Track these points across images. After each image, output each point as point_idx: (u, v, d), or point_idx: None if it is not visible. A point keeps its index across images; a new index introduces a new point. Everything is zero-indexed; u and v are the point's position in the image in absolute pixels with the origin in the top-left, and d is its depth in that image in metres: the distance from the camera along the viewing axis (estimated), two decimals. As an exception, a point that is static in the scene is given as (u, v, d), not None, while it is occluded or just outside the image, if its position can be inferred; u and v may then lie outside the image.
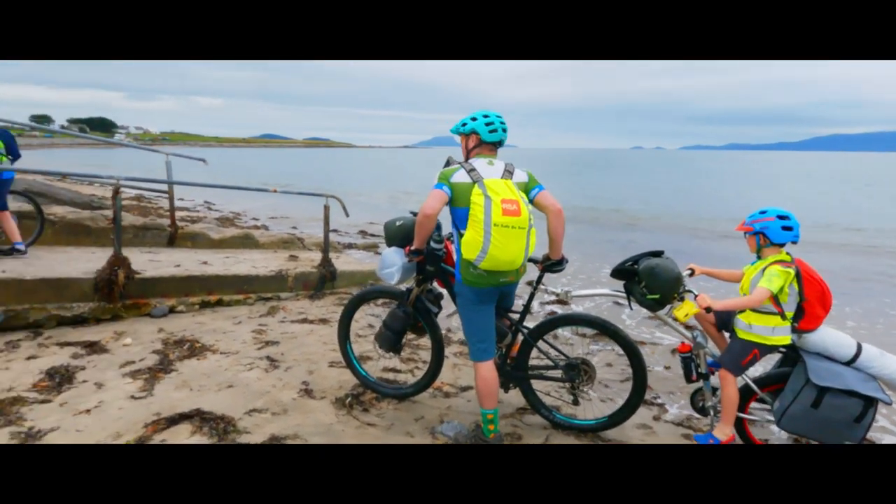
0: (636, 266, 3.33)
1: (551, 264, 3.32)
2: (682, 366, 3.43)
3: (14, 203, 6.61)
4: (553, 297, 7.13)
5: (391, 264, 3.49)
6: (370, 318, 5.94)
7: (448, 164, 3.29)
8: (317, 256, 7.97)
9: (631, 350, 3.36)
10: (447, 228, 3.66)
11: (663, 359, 5.41)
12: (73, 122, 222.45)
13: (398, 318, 3.62)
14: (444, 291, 3.73)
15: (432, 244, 3.36)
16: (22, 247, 5.95)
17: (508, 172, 3.08)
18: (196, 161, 8.65)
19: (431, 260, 3.42)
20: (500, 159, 3.15)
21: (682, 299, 3.21)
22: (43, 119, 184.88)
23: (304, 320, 5.78)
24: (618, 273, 3.43)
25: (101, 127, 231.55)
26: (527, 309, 3.56)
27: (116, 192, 5.59)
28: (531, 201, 3.10)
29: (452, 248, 3.59)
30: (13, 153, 5.95)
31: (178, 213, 11.97)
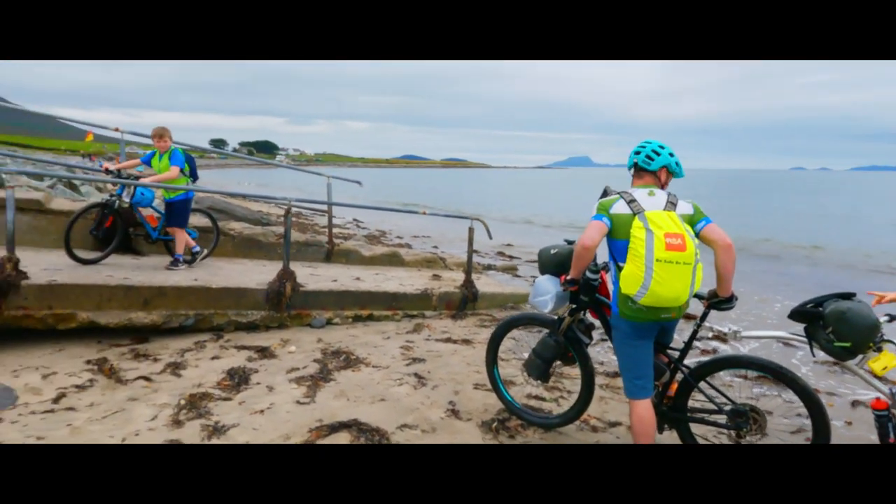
0: (821, 309, 2.99)
1: (719, 301, 3.10)
2: (876, 425, 3.00)
3: (195, 218, 7.47)
4: (711, 335, 6.64)
5: (545, 292, 3.47)
6: (510, 341, 5.95)
7: (605, 193, 3.22)
8: (459, 277, 8.16)
9: (811, 401, 3.02)
10: (601, 257, 3.58)
11: (842, 412, 4.79)
12: (242, 144, 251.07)
13: (549, 346, 3.58)
14: (597, 322, 3.63)
15: (588, 274, 3.30)
16: (181, 259, 6.53)
17: (671, 204, 2.94)
18: (352, 182, 9.30)
19: (586, 290, 3.36)
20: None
21: (879, 349, 2.83)
22: (219, 143, 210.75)
23: (449, 339, 5.93)
24: (798, 315, 3.11)
25: (265, 149, 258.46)
26: (688, 346, 3.35)
27: (288, 212, 6.18)
28: (697, 235, 2.93)
29: (608, 278, 3.49)
30: (194, 175, 6.74)
31: (332, 230, 12.95)
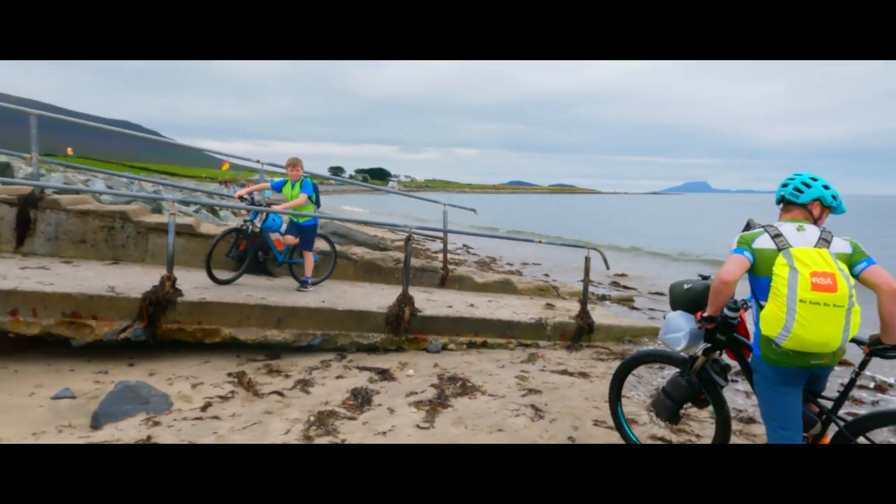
0: None
1: (883, 349, 2.79)
2: None
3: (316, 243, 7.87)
4: (873, 385, 5.96)
5: (678, 329, 3.31)
6: (631, 377, 5.71)
7: (749, 226, 3.03)
8: (573, 306, 8.00)
9: None
10: (739, 293, 3.35)
11: None
12: (358, 171, 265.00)
13: (681, 387, 3.40)
14: (734, 363, 3.40)
15: (726, 312, 3.10)
16: (309, 281, 6.95)
17: (824, 241, 2.70)
18: (467, 210, 9.48)
19: (723, 329, 3.16)
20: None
21: None
22: (337, 170, 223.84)
23: (564, 371, 5.80)
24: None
25: (378, 175, 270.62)
26: (844, 396, 3.03)
27: (409, 239, 6.41)
28: (857, 277, 2.67)
29: (748, 317, 3.27)
30: (317, 202, 7.09)
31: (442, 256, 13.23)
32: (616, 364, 6.17)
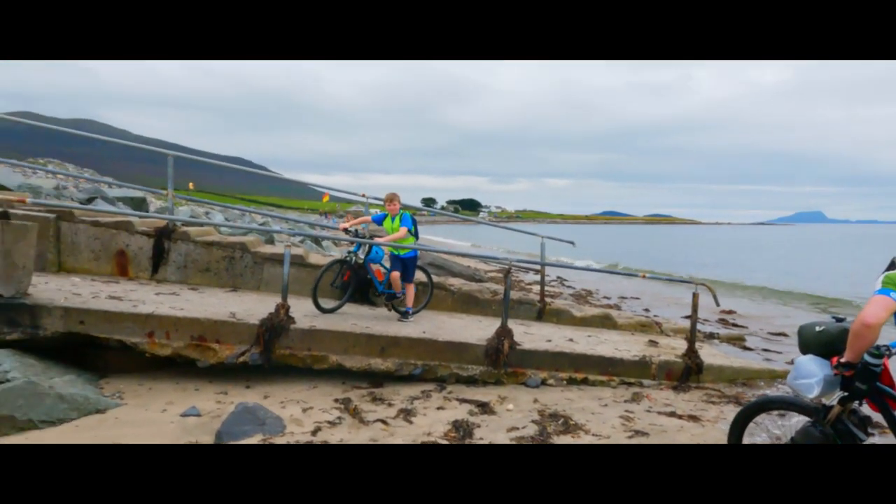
0: None
1: None
2: None
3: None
4: None
5: (810, 375, 3.06)
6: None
7: (893, 265, 2.78)
8: (678, 344, 7.62)
9: None
10: (882, 338, 3.06)
11: None
12: (449, 203, 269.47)
13: (813, 438, 3.12)
14: (876, 414, 3.09)
15: (867, 358, 2.84)
16: (410, 311, 7.08)
17: None
18: (565, 242, 9.37)
19: (864, 377, 2.88)
20: None
21: None
22: (430, 202, 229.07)
23: (673, 414, 5.51)
24: None
25: (469, 206, 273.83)
26: None
27: (508, 272, 6.43)
28: None
29: (892, 364, 2.97)
30: (416, 235, 7.25)
31: (536, 288, 13.10)
32: (729, 408, 5.79)
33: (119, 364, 5.85)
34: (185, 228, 7.91)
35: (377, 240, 7.01)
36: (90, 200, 10.64)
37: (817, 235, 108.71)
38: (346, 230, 7.00)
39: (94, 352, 5.76)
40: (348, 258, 6.95)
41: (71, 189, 13.78)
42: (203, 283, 7.75)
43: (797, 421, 3.46)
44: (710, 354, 7.50)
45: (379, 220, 7.12)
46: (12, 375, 4.67)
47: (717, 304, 7.01)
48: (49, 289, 6.02)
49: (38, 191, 10.64)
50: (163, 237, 7.60)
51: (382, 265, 7.34)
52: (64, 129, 9.39)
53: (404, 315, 7.02)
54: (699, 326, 10.92)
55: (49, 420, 4.51)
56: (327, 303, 6.85)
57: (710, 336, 9.96)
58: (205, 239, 7.86)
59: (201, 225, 9.11)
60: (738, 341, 9.76)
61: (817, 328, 3.19)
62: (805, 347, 3.23)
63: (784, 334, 10.62)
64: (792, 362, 3.24)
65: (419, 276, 7.73)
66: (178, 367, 5.95)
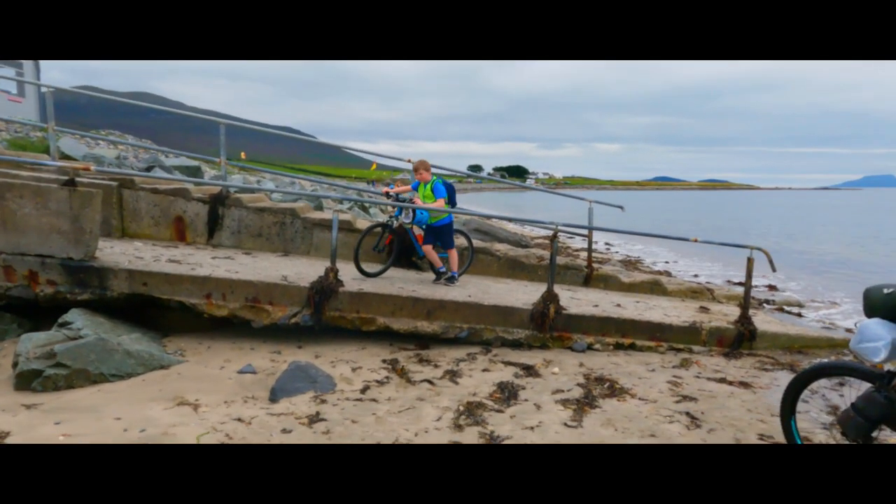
0: None
1: None
2: None
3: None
4: None
5: (877, 338, 2.95)
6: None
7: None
8: (730, 311, 7.43)
9: None
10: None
11: None
12: (496, 169, 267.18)
13: (877, 404, 3.02)
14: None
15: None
16: (456, 276, 7.11)
17: None
18: (614, 207, 9.18)
19: (933, 342, 2.76)
20: None
21: None
22: (476, 168, 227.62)
23: (723, 380, 5.41)
24: None
25: (516, 173, 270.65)
26: None
27: (555, 236, 6.36)
28: None
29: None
30: (452, 201, 7.18)
31: (583, 254, 12.93)
32: (783, 375, 5.64)
33: (179, 324, 6.16)
34: (238, 195, 8.15)
35: (417, 202, 6.98)
36: (149, 169, 11.07)
37: (886, 201, 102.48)
38: (387, 194, 7.04)
39: (156, 312, 6.07)
40: (389, 222, 6.99)
41: (131, 159, 14.37)
42: (255, 248, 8.00)
43: (858, 387, 3.34)
44: (765, 321, 7.28)
45: (416, 187, 7.11)
46: (84, 332, 4.99)
47: (774, 270, 6.76)
48: (114, 252, 6.35)
49: (101, 160, 11.14)
50: (217, 203, 7.86)
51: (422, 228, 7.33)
52: (124, 100, 9.74)
53: (450, 280, 7.07)
54: (754, 293, 10.61)
55: (118, 374, 4.82)
56: (371, 267, 6.94)
57: (765, 303, 9.65)
58: (257, 205, 8.08)
59: (253, 192, 9.36)
60: (794, 306, 9.42)
61: (885, 290, 3.06)
62: (871, 311, 3.10)
63: (846, 302, 10.18)
64: (855, 326, 3.11)
65: (461, 241, 7.73)
66: (233, 328, 6.22)
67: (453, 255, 7.12)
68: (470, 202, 45.67)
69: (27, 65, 19.12)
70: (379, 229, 7.10)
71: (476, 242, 8.45)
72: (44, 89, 8.03)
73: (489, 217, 9.29)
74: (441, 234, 7.04)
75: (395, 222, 6.98)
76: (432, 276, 7.32)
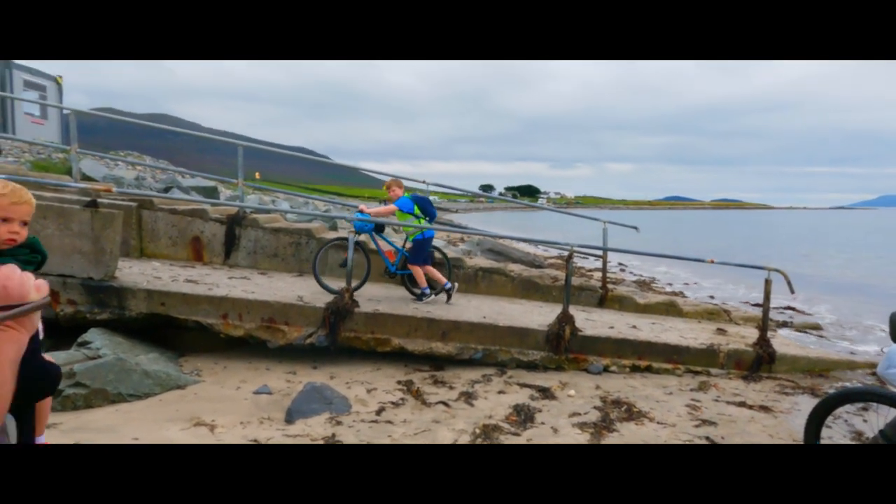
0: None
1: None
2: None
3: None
4: None
5: (902, 365, 2.90)
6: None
7: None
8: (748, 333, 7.34)
9: None
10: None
11: None
12: (508, 189, 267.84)
13: (903, 432, 2.96)
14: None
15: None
16: (427, 292, 6.86)
17: None
18: (628, 228, 9.16)
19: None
20: None
21: None
22: (488, 188, 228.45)
23: (743, 404, 5.33)
24: None
25: (528, 193, 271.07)
26: None
27: (570, 257, 6.36)
28: None
29: None
30: (430, 214, 6.90)
31: (597, 275, 12.86)
32: (805, 399, 5.55)
33: (195, 343, 6.19)
34: (254, 216, 8.24)
35: (366, 209, 6.77)
36: (167, 190, 11.24)
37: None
38: (361, 211, 6.78)
39: (172, 332, 6.12)
40: (349, 236, 6.54)
41: (148, 179, 14.59)
42: (271, 268, 8.06)
43: (885, 414, 3.28)
44: (784, 343, 7.19)
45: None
46: (103, 352, 5.03)
47: (792, 291, 6.69)
48: (133, 272, 6.43)
49: (121, 181, 11.33)
50: (234, 224, 7.95)
51: (394, 245, 7.24)
52: (142, 122, 9.94)
53: (420, 297, 6.88)
54: (771, 315, 10.48)
55: (136, 394, 4.85)
56: (335, 283, 6.76)
57: (783, 324, 9.53)
58: (272, 226, 8.16)
59: (269, 212, 9.46)
60: (813, 330, 9.29)
61: (909, 315, 3.01)
62: None
63: (866, 326, 10.02)
64: (883, 351, 3.06)
65: (437, 256, 7.55)
66: (249, 348, 6.24)
67: (417, 271, 6.82)
68: (481, 222, 45.73)
69: (50, 87, 19.61)
70: (339, 243, 7.07)
71: (490, 263, 8.46)
72: (66, 111, 8.22)
73: (504, 238, 9.30)
74: (413, 248, 6.85)
75: (357, 236, 6.65)
76: (442, 296, 7.10)
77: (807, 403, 5.36)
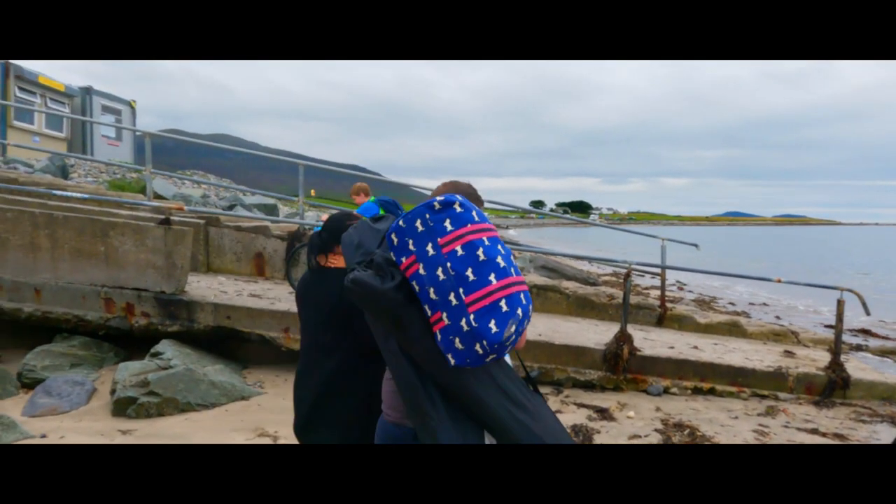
0: None
1: None
2: None
3: None
4: None
5: None
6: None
7: None
8: (818, 356, 6.99)
9: None
10: None
11: None
12: (558, 205, 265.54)
13: None
14: None
15: None
16: None
17: None
18: (688, 245, 8.93)
19: None
20: None
21: None
22: (538, 204, 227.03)
23: (815, 431, 5.07)
24: None
25: (579, 208, 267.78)
26: None
27: (628, 275, 6.25)
28: None
29: None
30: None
31: (653, 293, 12.55)
32: (884, 428, 5.24)
33: (257, 356, 6.41)
34: (311, 232, 8.49)
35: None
36: (231, 207, 11.74)
37: None
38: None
39: (234, 344, 6.35)
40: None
41: (213, 197, 15.27)
42: (329, 284, 8.26)
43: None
44: (859, 368, 6.80)
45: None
46: (174, 363, 5.28)
47: (868, 313, 6.35)
48: (201, 287, 6.73)
49: (189, 199, 11.91)
50: (295, 241, 8.21)
51: None
52: (206, 142, 10.45)
53: None
54: (844, 337, 9.94)
55: (204, 404, 5.05)
56: None
57: (858, 348, 9.02)
58: (330, 242, 8.38)
59: (326, 229, 9.72)
60: (892, 356, 8.75)
61: None
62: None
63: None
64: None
65: None
66: (309, 361, 6.40)
67: None
68: (532, 238, 45.37)
69: (125, 111, 20.87)
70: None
71: (544, 280, 8.41)
72: (138, 133, 8.74)
73: (558, 255, 9.23)
74: None
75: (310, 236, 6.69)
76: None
77: (886, 432, 5.06)
